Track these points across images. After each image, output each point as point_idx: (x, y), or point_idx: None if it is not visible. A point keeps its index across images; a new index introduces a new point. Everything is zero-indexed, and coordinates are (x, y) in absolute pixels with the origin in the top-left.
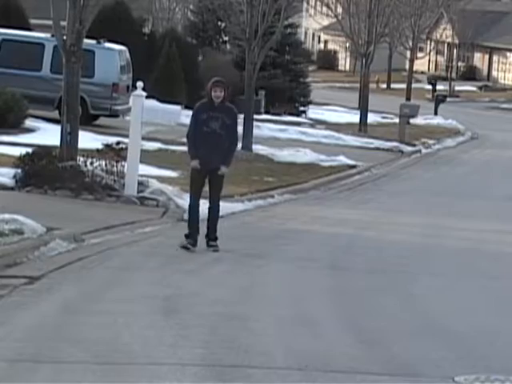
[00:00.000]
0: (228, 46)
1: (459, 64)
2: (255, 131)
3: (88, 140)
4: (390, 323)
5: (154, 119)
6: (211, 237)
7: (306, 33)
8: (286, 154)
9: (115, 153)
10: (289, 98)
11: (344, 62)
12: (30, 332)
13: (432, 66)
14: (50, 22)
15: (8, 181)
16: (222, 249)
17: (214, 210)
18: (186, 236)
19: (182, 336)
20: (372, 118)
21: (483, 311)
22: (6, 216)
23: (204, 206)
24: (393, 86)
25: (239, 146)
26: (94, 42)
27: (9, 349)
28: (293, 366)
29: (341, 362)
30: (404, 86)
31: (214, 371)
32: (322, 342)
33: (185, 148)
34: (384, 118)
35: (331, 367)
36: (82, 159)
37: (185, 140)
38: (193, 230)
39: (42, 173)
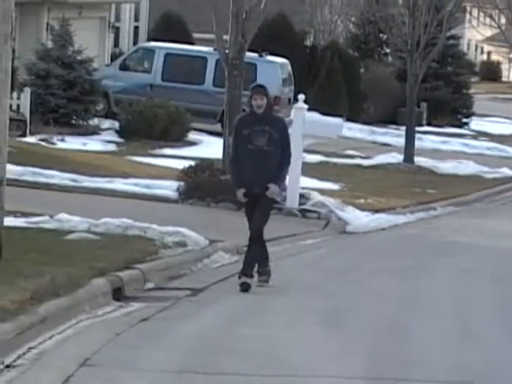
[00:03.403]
0: (390, 58)
1: None
2: (417, 143)
3: None
4: None
5: (315, 132)
6: (260, 271)
7: (468, 44)
8: (448, 166)
9: None
10: (451, 110)
11: (507, 72)
12: (193, 343)
13: None
14: (212, 36)
15: (171, 193)
16: (383, 261)
17: (252, 241)
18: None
19: (343, 348)
20: None
21: None
22: (170, 228)
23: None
24: None
25: (401, 158)
26: (255, 55)
27: (173, 359)
28: (457, 380)
29: (509, 377)
30: None
31: None
32: (487, 355)
33: (346, 160)
34: None
35: (498, 382)
36: None
37: (347, 152)
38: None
39: (204, 185)
